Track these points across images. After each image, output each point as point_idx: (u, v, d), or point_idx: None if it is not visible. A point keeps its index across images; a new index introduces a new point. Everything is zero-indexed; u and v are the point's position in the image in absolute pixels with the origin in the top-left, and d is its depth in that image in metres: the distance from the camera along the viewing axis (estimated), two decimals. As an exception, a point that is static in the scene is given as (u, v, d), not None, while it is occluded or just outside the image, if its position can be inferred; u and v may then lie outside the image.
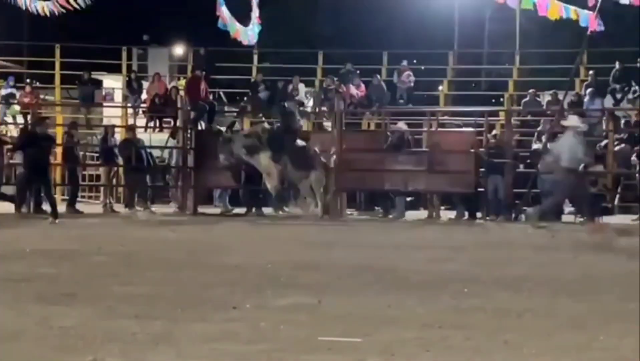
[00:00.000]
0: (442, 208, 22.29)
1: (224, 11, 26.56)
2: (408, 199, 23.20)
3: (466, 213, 21.55)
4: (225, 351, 6.76)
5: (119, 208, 23.97)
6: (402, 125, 23.17)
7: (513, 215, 21.31)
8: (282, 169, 20.78)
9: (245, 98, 26.03)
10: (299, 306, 8.72)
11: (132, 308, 8.50)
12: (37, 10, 27.78)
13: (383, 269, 11.55)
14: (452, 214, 21.85)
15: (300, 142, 21.23)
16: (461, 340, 7.21)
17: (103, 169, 24.63)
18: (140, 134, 24.88)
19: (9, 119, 28.07)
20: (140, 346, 6.92)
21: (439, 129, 23.88)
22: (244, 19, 28.42)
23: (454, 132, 23.61)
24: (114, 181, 24.83)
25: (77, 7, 27.27)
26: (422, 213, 22.16)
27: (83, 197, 26.92)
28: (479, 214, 21.46)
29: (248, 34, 28.13)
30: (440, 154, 21.32)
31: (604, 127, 24.10)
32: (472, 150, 21.36)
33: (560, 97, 24.41)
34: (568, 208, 22.07)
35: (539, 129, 23.64)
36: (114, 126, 25.19)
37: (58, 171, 26.86)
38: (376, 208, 22.59)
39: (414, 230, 18.77)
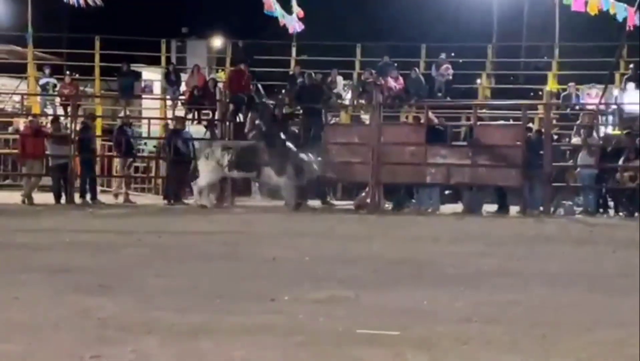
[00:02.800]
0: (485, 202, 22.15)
1: None
2: (446, 192, 23.15)
3: (508, 207, 21.43)
4: (264, 343, 6.79)
5: (156, 199, 24.12)
6: (432, 117, 23.15)
7: (551, 209, 21.21)
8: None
9: (283, 90, 26.04)
10: (336, 299, 8.74)
11: (170, 300, 8.55)
12: (78, 2, 27.99)
13: (420, 262, 11.55)
14: (490, 208, 21.75)
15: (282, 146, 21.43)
16: (498, 334, 7.19)
17: (120, 160, 24.66)
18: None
19: (49, 110, 28.27)
20: (178, 337, 6.96)
21: (484, 122, 23.81)
22: (287, 9, 28.56)
23: (500, 126, 23.48)
24: (130, 171, 24.98)
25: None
26: (459, 206, 22.07)
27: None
28: (517, 208, 21.37)
29: (294, 21, 28.30)
30: (486, 148, 21.21)
31: (643, 120, 23.92)
32: (519, 144, 21.20)
33: (600, 91, 24.25)
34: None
35: (577, 122, 23.49)
36: (128, 117, 25.24)
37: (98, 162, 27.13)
38: (413, 200, 22.52)
39: (452, 223, 18.71)
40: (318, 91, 26.22)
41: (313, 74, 26.79)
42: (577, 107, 25.78)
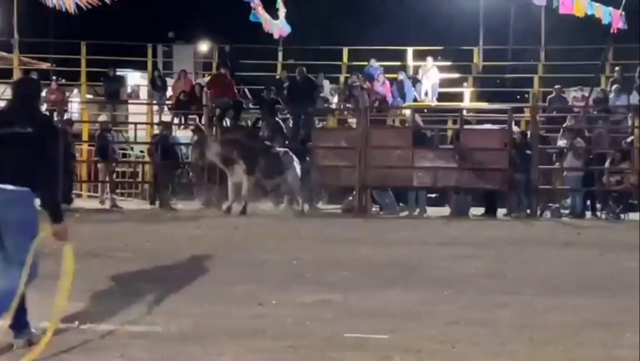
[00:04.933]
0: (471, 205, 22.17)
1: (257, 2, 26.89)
2: (432, 195, 23.17)
3: (496, 210, 21.46)
4: (252, 347, 6.80)
5: (143, 204, 24.07)
6: (417, 119, 23.18)
7: (538, 212, 21.25)
8: (254, 181, 20.95)
9: (264, 92, 25.98)
10: (324, 302, 8.75)
11: (159, 305, 8.55)
12: (63, 7, 27.93)
13: (408, 266, 11.57)
14: (477, 211, 21.78)
15: (274, 150, 21.38)
16: (487, 337, 7.22)
17: (102, 165, 24.53)
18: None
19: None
20: (167, 342, 6.97)
21: (470, 126, 23.84)
22: (272, 13, 28.58)
23: (487, 129, 23.50)
24: (114, 176, 24.90)
25: (106, 0, 27.46)
26: (446, 210, 22.10)
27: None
28: (504, 211, 21.40)
29: (279, 26, 28.33)
30: (473, 151, 21.23)
31: (629, 123, 23.94)
32: (506, 147, 21.21)
33: (586, 93, 24.31)
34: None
35: (564, 125, 23.54)
36: (108, 122, 25.14)
37: (84, 167, 27.10)
38: (400, 204, 22.52)
39: (439, 227, 18.74)
40: (311, 84, 26.25)
41: (304, 70, 26.75)
42: (563, 110, 25.82)
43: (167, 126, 24.40)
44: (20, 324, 6.73)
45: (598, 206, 21.71)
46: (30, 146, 6.54)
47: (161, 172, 23.49)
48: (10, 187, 6.49)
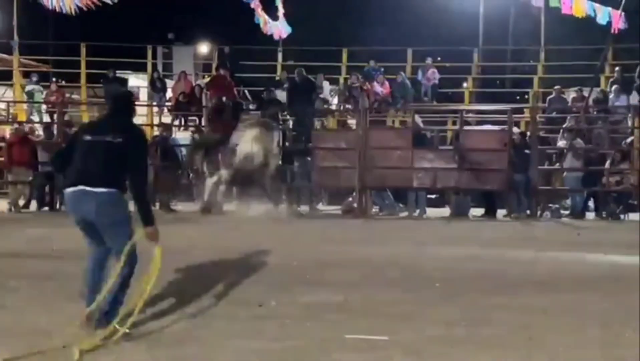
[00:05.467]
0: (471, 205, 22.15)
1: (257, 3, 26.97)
2: (432, 196, 23.16)
3: (495, 211, 21.45)
4: (252, 348, 6.80)
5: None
6: (417, 120, 23.18)
7: (538, 213, 21.25)
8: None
9: (263, 93, 25.99)
10: (324, 303, 8.75)
11: (158, 306, 8.55)
12: (64, 9, 27.97)
13: (408, 267, 11.57)
14: (477, 211, 21.77)
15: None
16: (486, 337, 7.23)
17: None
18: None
19: (36, 118, 28.22)
20: (165, 343, 6.97)
21: (470, 127, 23.85)
22: (272, 14, 28.63)
23: (486, 130, 23.48)
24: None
25: (108, 1, 27.49)
26: (446, 211, 22.10)
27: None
28: (503, 212, 21.41)
29: (278, 27, 28.37)
30: (473, 152, 21.23)
31: (629, 124, 23.95)
32: (505, 147, 21.19)
33: (586, 94, 24.31)
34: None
35: (564, 126, 23.54)
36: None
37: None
38: (400, 205, 22.51)
39: (439, 227, 18.74)
40: (310, 85, 26.30)
41: (303, 71, 26.78)
42: (562, 111, 25.82)
43: (166, 127, 24.39)
44: (109, 313, 7.31)
45: (595, 205, 21.72)
46: (120, 154, 7.24)
47: (161, 174, 23.46)
48: (102, 189, 7.17)
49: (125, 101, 8.03)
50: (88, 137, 7.46)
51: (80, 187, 7.24)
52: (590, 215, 21.48)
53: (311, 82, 26.63)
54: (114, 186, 7.21)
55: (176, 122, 26.35)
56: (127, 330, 7.07)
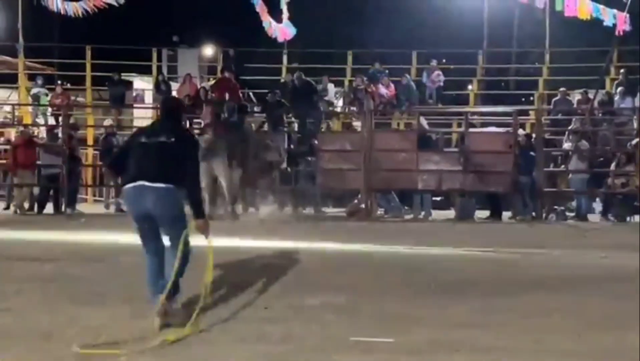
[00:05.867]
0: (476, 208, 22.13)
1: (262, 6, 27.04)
2: (437, 198, 23.16)
3: (501, 213, 21.43)
4: (258, 351, 6.80)
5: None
6: (422, 122, 23.18)
7: (544, 215, 21.24)
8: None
9: (268, 95, 25.98)
10: (330, 306, 8.74)
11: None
12: (70, 11, 28.04)
13: (413, 269, 11.55)
14: (482, 213, 21.76)
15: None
16: (491, 340, 7.22)
17: (106, 169, 24.39)
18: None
19: (41, 120, 28.26)
20: (171, 346, 6.97)
21: (475, 129, 23.86)
22: (277, 17, 28.66)
23: (491, 132, 23.45)
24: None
25: (114, 3, 27.52)
26: (451, 213, 22.08)
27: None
28: (509, 214, 21.40)
29: (283, 29, 28.43)
30: (478, 154, 21.22)
31: (634, 125, 23.94)
32: (511, 149, 21.16)
33: (591, 96, 24.31)
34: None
35: (569, 128, 23.54)
36: (112, 126, 24.98)
37: (90, 172, 27.15)
38: (405, 207, 22.49)
39: (444, 230, 18.72)
40: (310, 88, 26.33)
41: (302, 75, 26.81)
42: (568, 113, 25.82)
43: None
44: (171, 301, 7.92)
45: (603, 208, 21.70)
46: (173, 153, 7.94)
47: None
48: (160, 184, 7.80)
49: (174, 105, 8.87)
50: (143, 140, 8.17)
51: (140, 182, 7.84)
52: (596, 217, 21.47)
53: (311, 85, 26.65)
54: (170, 182, 7.81)
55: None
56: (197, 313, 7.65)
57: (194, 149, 8.37)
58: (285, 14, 28.91)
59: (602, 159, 22.36)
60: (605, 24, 25.57)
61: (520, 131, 23.08)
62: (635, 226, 18.87)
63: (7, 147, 24.74)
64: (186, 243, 7.92)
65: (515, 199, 21.32)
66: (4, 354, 6.64)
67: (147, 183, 7.82)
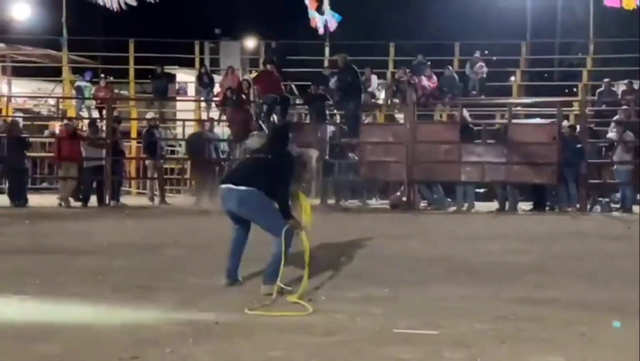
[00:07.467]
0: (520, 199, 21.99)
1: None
2: (480, 190, 23.06)
3: (544, 205, 21.30)
4: (302, 342, 6.80)
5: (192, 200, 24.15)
6: (465, 114, 23.08)
7: (588, 206, 21.10)
8: None
9: (310, 88, 25.86)
10: (373, 298, 8.75)
11: (208, 300, 8.59)
12: (114, 6, 28.25)
13: (456, 260, 11.53)
14: (526, 205, 21.64)
15: None
16: (537, 332, 7.18)
17: (149, 162, 24.51)
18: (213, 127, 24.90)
19: (85, 113, 28.45)
20: (215, 337, 6.99)
21: (518, 120, 23.74)
22: (318, 8, 28.70)
23: (535, 123, 23.31)
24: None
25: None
26: (494, 204, 21.98)
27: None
28: (553, 206, 21.27)
29: (326, 20, 28.49)
30: (521, 146, 21.10)
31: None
32: (555, 141, 21.02)
33: (636, 86, 24.10)
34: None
35: (614, 118, 23.35)
36: (155, 119, 25.07)
37: (133, 165, 27.31)
38: (448, 199, 22.41)
39: (487, 221, 18.65)
40: (354, 72, 25.65)
41: (346, 57, 26.02)
42: (612, 104, 25.61)
43: (201, 123, 24.64)
44: (270, 276, 9.10)
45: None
46: (266, 166, 9.20)
47: (196, 170, 23.75)
48: (242, 187, 9.07)
49: (284, 131, 10.28)
50: (249, 155, 10.14)
51: (227, 185, 9.25)
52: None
53: (354, 70, 25.83)
54: (253, 186, 9.01)
55: (223, 117, 26.34)
56: (289, 289, 8.94)
57: (289, 166, 9.31)
58: (326, 5, 28.90)
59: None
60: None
61: (565, 122, 22.94)
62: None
63: (52, 140, 24.93)
64: (287, 235, 8.93)
65: (560, 190, 21.18)
66: (51, 345, 6.69)
67: (232, 186, 9.15)
